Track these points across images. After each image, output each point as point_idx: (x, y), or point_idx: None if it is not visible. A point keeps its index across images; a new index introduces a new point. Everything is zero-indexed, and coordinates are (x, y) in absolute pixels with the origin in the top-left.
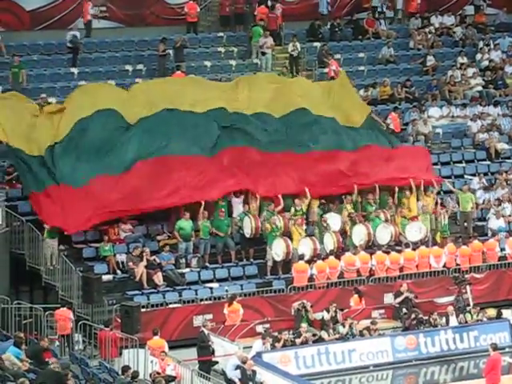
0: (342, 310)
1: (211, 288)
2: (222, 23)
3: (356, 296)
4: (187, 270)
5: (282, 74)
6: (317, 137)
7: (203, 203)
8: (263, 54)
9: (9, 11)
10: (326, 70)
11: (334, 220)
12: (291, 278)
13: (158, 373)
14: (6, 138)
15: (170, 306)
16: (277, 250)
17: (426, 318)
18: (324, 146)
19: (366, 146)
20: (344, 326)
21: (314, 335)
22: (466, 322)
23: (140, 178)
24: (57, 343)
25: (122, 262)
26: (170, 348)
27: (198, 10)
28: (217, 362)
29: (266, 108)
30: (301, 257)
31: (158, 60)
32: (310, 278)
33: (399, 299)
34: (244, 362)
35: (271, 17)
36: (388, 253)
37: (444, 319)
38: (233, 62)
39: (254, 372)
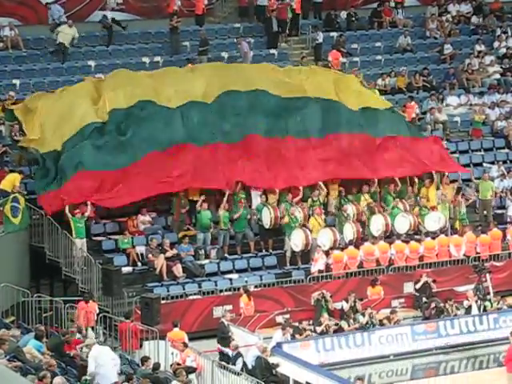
0: (361, 299)
1: (231, 279)
2: (241, 14)
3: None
4: (206, 261)
5: (301, 64)
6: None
7: (227, 193)
8: None
9: (25, 5)
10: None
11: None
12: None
13: (179, 364)
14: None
15: (190, 297)
16: (296, 240)
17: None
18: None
19: (387, 136)
20: (364, 316)
21: (336, 324)
22: (486, 310)
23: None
24: (77, 335)
25: (142, 254)
26: (190, 339)
27: (206, 2)
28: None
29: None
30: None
31: (171, 36)
32: (327, 268)
33: (419, 285)
34: (263, 353)
35: (281, 7)
36: (407, 242)
37: (463, 309)
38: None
39: (274, 363)
